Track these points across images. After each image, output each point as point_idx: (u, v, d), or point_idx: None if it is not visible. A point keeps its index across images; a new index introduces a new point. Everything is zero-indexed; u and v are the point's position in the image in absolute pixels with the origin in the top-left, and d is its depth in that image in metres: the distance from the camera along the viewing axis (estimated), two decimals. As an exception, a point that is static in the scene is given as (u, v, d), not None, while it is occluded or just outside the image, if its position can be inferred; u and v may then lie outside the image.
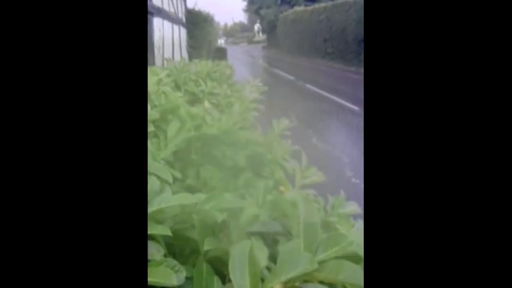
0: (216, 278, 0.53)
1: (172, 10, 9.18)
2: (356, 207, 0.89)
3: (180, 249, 0.60)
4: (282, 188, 0.97)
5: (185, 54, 10.18)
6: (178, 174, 0.85)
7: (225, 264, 0.56)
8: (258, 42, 46.42)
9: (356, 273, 0.42)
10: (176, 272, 0.48)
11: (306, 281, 0.45)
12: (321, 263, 0.45)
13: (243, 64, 17.14)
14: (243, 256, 0.44)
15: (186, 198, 0.57)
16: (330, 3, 16.16)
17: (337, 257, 0.46)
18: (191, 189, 0.86)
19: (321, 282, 0.45)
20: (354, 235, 0.67)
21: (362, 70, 12.21)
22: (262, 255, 0.47)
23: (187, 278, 0.50)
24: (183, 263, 0.51)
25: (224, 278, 0.55)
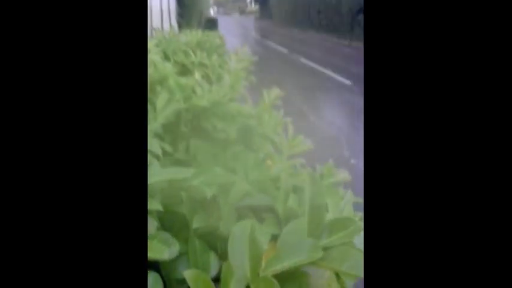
0: (212, 255, 0.52)
1: (161, -24, 8.80)
2: (346, 175, 0.85)
3: (170, 223, 0.59)
4: (269, 162, 0.96)
5: (174, 24, 9.87)
6: (168, 148, 0.83)
7: (217, 238, 0.56)
8: (251, 12, 45.24)
9: (360, 264, 0.40)
10: (169, 245, 0.47)
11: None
12: (325, 249, 0.42)
13: (235, 36, 16.72)
14: (243, 238, 0.42)
15: (177, 173, 0.56)
16: (325, -27, 15.70)
17: (343, 244, 0.43)
18: (180, 163, 0.85)
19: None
20: (344, 207, 0.65)
21: (355, 43, 12.09)
22: (263, 239, 0.44)
23: (180, 254, 0.49)
24: (173, 237, 0.51)
25: (216, 253, 0.54)
